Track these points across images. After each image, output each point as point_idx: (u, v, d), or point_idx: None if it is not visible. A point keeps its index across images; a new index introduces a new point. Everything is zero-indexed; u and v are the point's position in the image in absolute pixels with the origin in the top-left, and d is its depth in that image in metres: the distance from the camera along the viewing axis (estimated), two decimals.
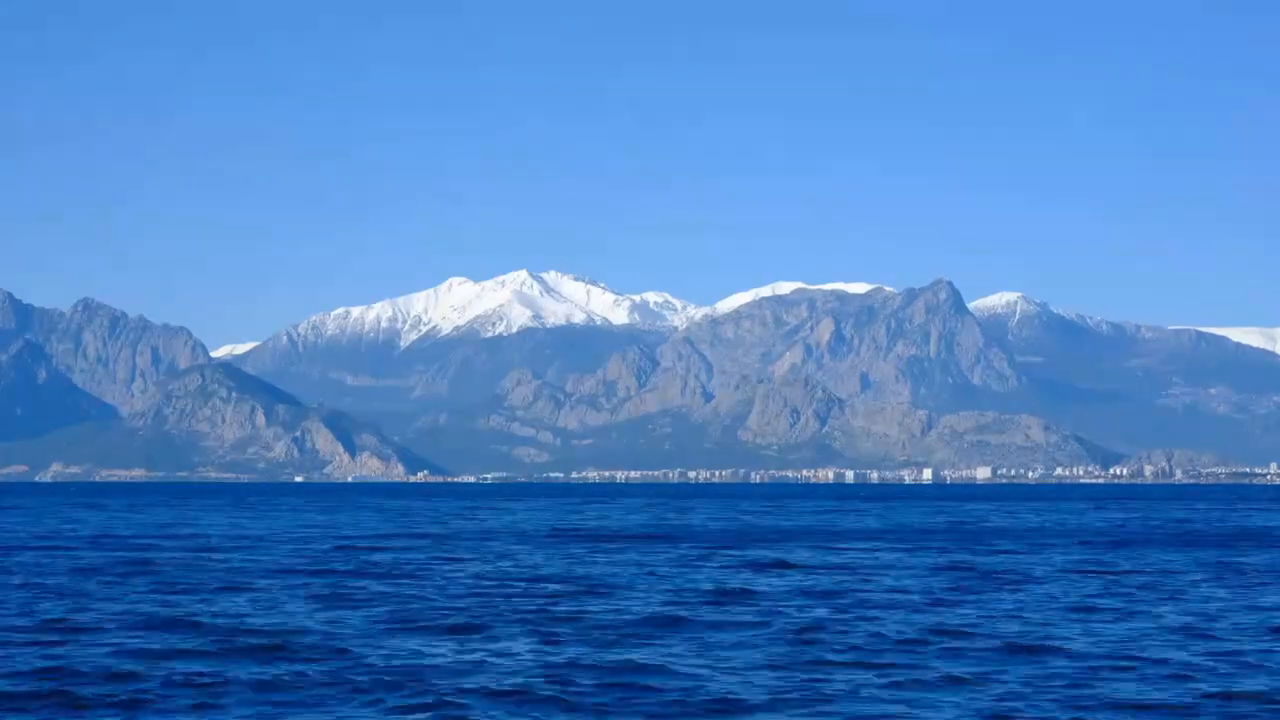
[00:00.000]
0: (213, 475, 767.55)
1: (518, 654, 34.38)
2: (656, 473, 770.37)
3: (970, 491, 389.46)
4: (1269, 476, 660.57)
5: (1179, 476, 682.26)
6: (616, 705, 27.99)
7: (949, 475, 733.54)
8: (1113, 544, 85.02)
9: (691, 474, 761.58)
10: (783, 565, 64.18)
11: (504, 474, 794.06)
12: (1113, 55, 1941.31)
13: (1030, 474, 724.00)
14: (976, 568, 63.39)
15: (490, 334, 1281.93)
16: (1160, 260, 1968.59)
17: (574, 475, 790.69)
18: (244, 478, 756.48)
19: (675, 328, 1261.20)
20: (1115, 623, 41.23)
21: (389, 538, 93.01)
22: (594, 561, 66.97)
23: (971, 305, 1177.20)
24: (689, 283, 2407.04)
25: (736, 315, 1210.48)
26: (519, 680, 30.44)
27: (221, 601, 46.42)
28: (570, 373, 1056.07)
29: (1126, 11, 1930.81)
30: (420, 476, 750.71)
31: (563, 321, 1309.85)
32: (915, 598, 48.47)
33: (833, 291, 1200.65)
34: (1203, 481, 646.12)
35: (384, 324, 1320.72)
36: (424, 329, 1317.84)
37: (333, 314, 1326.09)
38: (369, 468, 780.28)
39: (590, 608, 44.30)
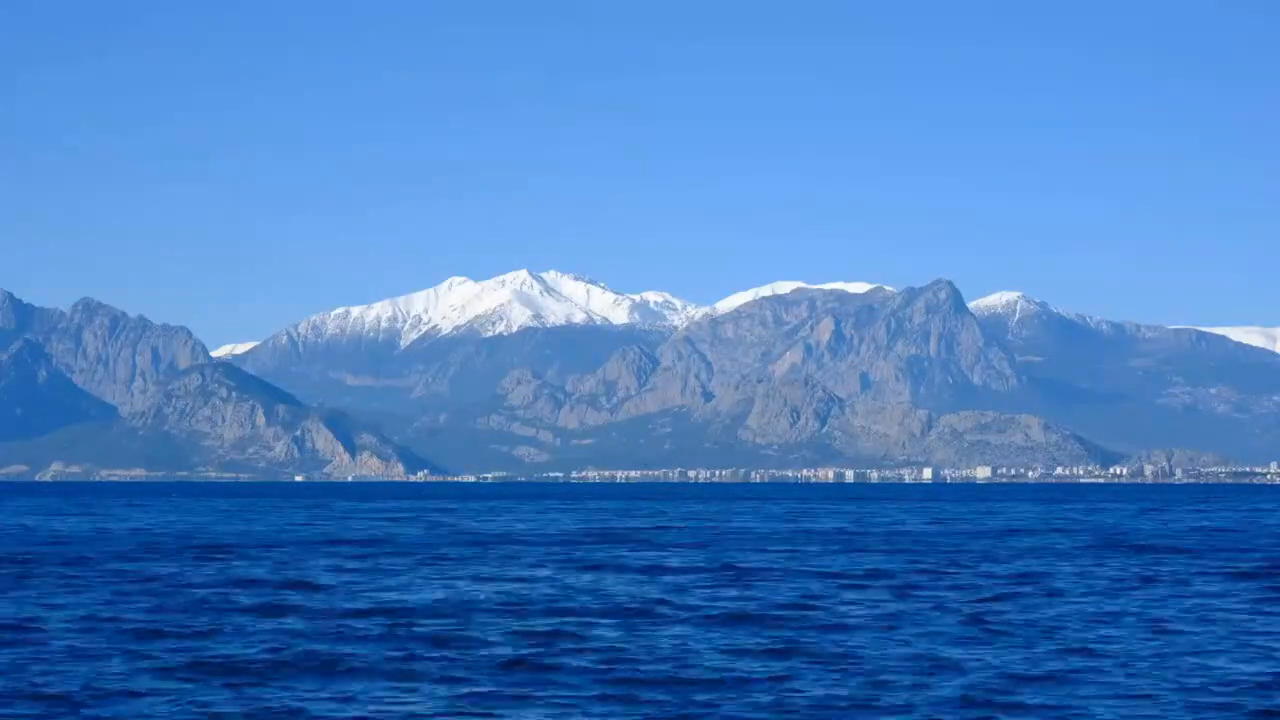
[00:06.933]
0: (213, 475, 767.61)
1: None
2: (656, 472, 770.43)
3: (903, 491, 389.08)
4: (1269, 476, 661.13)
5: (1179, 476, 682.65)
6: None
7: (949, 475, 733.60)
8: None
9: (691, 473, 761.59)
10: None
11: (504, 473, 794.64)
12: (1113, 55, 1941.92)
13: (1030, 474, 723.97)
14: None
15: (490, 334, 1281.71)
16: (1160, 260, 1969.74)
17: (574, 475, 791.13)
18: (244, 477, 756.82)
19: (675, 327, 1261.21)
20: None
21: None
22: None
23: (971, 305, 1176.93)
24: (689, 282, 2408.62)
25: (736, 315, 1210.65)
26: None
27: None
28: (570, 372, 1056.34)
29: (1126, 11, 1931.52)
30: (420, 476, 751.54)
31: (563, 321, 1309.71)
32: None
33: (833, 291, 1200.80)
34: (1203, 481, 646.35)
35: (384, 324, 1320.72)
36: (424, 329, 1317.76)
37: (333, 314, 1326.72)
38: (369, 467, 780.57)
39: None
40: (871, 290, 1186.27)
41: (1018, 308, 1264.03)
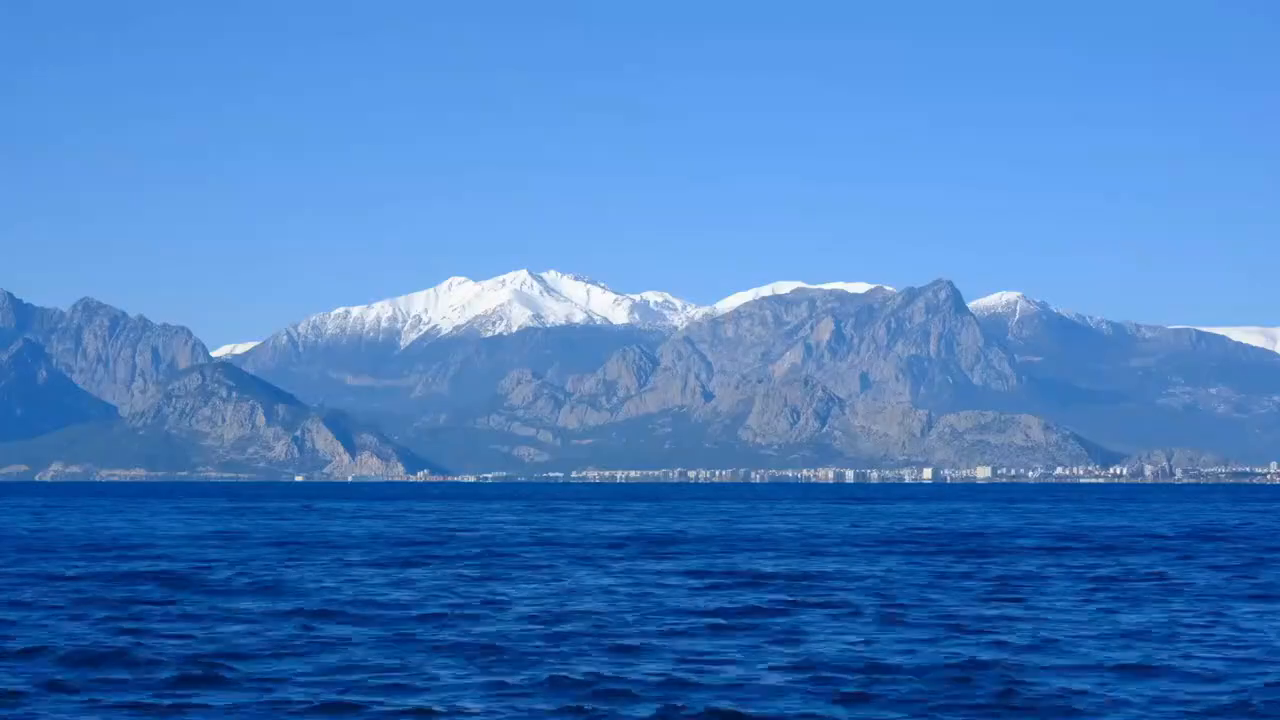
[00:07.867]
0: (213, 475, 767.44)
1: None
2: (657, 472, 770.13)
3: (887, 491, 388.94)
4: (1269, 475, 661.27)
5: (1179, 476, 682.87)
6: None
7: (949, 475, 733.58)
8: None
9: (691, 474, 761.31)
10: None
11: (504, 473, 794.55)
12: (1113, 55, 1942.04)
13: (1030, 474, 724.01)
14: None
15: (490, 334, 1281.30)
16: (1160, 260, 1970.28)
17: (574, 475, 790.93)
18: (244, 477, 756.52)
19: (675, 327, 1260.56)
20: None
21: None
22: None
23: (971, 305, 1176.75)
24: (689, 282, 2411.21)
25: (736, 315, 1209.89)
26: None
27: None
28: (570, 372, 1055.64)
29: (1126, 11, 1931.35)
30: (420, 476, 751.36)
31: (563, 321, 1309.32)
32: None
33: (833, 291, 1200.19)
34: (1203, 481, 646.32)
35: (384, 324, 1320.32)
36: (424, 329, 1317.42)
37: (333, 314, 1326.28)
38: (369, 467, 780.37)
39: None
40: (871, 290, 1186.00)
41: (1018, 308, 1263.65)
